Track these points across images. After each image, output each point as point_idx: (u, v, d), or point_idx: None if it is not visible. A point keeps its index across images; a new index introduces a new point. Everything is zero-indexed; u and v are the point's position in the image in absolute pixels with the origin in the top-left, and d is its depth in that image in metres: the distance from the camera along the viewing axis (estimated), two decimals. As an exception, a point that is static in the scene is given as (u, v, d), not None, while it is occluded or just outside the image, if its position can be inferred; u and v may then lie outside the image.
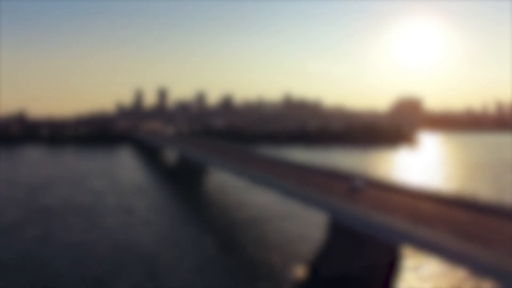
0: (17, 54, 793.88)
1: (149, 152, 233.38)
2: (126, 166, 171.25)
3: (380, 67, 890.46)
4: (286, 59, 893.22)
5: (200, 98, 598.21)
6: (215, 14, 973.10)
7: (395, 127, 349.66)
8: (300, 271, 51.95)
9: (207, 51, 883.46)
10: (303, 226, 73.44)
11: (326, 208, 52.65)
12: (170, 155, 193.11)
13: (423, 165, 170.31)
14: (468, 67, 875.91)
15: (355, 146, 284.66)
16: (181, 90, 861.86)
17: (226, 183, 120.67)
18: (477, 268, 31.52)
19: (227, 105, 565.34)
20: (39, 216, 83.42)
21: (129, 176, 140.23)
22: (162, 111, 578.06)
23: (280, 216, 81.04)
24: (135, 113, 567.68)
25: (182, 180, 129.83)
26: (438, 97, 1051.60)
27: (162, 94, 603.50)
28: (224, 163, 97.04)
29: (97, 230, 72.62)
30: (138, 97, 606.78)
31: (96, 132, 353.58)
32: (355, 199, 55.35)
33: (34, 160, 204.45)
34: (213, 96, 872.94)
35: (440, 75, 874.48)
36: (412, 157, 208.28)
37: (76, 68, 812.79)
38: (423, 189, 59.86)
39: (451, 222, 42.78)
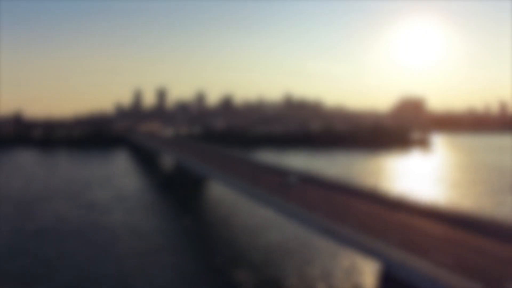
0: (16, 54, 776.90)
1: (146, 156, 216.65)
2: (123, 173, 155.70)
3: (380, 67, 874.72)
4: (286, 59, 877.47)
5: (200, 98, 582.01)
6: (215, 14, 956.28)
7: (403, 128, 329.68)
8: None
9: (207, 51, 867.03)
10: (338, 262, 57.31)
11: (379, 257, 36.98)
12: (168, 160, 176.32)
13: (441, 173, 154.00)
14: (468, 67, 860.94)
15: (362, 149, 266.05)
16: (181, 90, 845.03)
17: (229, 195, 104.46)
18: None
19: (227, 105, 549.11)
20: (31, 240, 69.08)
21: (127, 186, 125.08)
22: (162, 112, 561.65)
23: (305, 246, 65.18)
24: (134, 113, 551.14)
25: (183, 191, 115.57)
26: (439, 97, 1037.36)
27: (162, 94, 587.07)
28: (229, 178, 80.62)
29: (104, 261, 58.27)
30: (137, 97, 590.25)
31: (93, 134, 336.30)
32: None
33: (26, 165, 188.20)
34: (213, 96, 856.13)
35: (441, 75, 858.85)
36: (428, 162, 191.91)
37: (75, 68, 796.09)
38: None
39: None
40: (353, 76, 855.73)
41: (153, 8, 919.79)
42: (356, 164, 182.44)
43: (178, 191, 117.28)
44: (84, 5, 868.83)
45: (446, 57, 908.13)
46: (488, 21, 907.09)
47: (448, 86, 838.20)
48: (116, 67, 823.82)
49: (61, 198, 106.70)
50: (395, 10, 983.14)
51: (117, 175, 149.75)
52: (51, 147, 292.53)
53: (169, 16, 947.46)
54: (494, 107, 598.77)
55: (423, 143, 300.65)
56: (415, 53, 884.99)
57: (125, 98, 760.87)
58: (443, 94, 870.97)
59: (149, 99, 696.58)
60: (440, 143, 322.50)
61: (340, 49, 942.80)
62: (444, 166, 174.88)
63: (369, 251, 38.82)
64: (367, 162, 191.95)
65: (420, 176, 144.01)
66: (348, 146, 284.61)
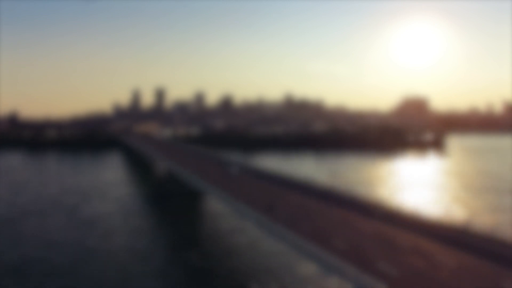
0: (15, 54, 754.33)
1: (140, 160, 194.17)
2: (116, 181, 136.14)
3: (380, 67, 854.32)
4: (286, 59, 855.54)
5: (199, 98, 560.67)
6: (215, 14, 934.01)
7: (416, 129, 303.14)
8: None
9: (206, 50, 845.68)
10: None
11: None
12: (162, 166, 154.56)
13: (483, 180, 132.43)
14: (468, 66, 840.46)
15: (373, 151, 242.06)
16: (180, 90, 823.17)
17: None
18: None
19: (226, 106, 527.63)
20: (11, 279, 51.28)
21: (122, 198, 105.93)
22: (160, 112, 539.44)
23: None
24: (132, 114, 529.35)
25: (182, 204, 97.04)
26: (439, 97, 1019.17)
27: (160, 94, 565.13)
28: (233, 200, 59.09)
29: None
30: (136, 98, 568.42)
31: (86, 135, 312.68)
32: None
33: (15, 170, 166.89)
34: (213, 96, 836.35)
35: (441, 74, 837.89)
36: (452, 167, 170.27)
37: (74, 68, 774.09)
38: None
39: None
40: (353, 76, 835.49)
41: (152, 8, 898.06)
42: (376, 169, 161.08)
43: (176, 203, 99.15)
44: (82, 6, 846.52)
45: (446, 57, 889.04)
46: (488, 21, 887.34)
47: (448, 85, 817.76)
48: (114, 67, 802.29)
49: (52, 213, 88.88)
50: (395, 10, 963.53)
51: (110, 184, 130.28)
52: (41, 150, 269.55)
53: (168, 16, 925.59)
54: (497, 107, 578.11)
55: (437, 145, 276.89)
56: (415, 53, 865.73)
57: (123, 98, 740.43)
58: (443, 94, 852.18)
59: (147, 99, 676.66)
60: (450, 144, 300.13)
61: (340, 49, 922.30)
62: (477, 172, 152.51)
63: None
64: (385, 167, 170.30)
65: (459, 185, 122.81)
66: (356, 148, 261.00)
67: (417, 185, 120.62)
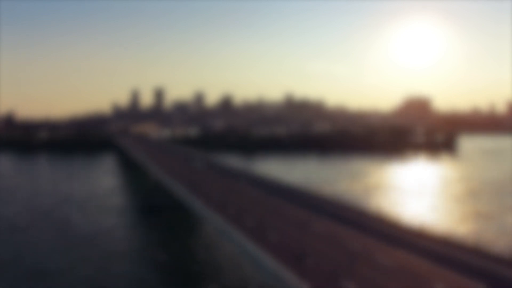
0: (15, 54, 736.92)
1: (133, 163, 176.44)
2: (109, 189, 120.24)
3: (380, 67, 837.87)
4: (286, 59, 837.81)
5: (199, 98, 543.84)
6: (215, 14, 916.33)
7: (428, 131, 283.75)
8: None
9: (206, 50, 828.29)
10: None
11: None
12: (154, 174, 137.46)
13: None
14: (468, 66, 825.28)
15: (382, 154, 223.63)
16: (179, 90, 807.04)
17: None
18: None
19: (226, 106, 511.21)
20: None
21: (117, 208, 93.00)
22: (159, 112, 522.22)
23: None
24: (131, 114, 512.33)
25: (181, 219, 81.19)
26: (440, 96, 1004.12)
27: (159, 94, 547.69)
28: (242, 240, 42.14)
29: None
30: (135, 98, 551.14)
31: (82, 135, 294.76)
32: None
33: (2, 175, 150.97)
34: (212, 96, 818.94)
35: (441, 74, 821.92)
36: (472, 173, 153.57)
37: (74, 68, 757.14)
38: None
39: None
40: (353, 76, 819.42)
41: (152, 8, 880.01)
42: (396, 174, 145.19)
43: (174, 215, 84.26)
44: (82, 6, 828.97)
45: (446, 57, 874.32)
46: (488, 21, 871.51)
47: (448, 85, 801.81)
48: (114, 67, 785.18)
49: (41, 228, 76.08)
50: (395, 10, 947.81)
51: (102, 191, 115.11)
52: (33, 151, 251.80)
53: (167, 16, 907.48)
54: (499, 107, 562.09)
55: (449, 147, 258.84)
56: (415, 53, 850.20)
57: (122, 98, 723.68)
58: (444, 94, 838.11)
59: (147, 99, 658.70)
60: (461, 146, 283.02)
61: (340, 49, 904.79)
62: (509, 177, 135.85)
63: None
64: (404, 171, 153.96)
65: (499, 192, 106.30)
66: (363, 150, 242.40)
67: (454, 195, 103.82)
